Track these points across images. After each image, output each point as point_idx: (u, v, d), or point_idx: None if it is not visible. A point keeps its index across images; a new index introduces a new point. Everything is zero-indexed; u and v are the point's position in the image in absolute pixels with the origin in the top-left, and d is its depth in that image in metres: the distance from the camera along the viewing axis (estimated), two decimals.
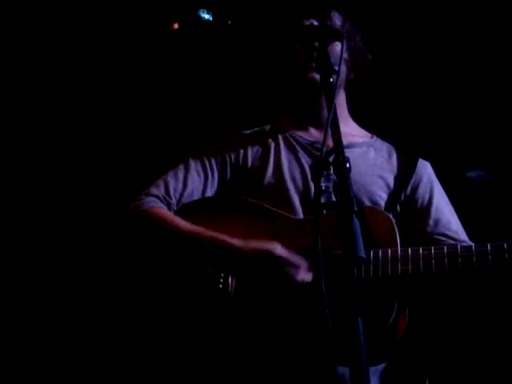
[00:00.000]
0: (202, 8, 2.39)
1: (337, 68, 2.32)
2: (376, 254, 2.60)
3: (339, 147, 2.15)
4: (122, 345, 2.83)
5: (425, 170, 3.04)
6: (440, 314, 3.56)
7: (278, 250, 2.58)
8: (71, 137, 4.22)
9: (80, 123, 4.22)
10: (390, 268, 2.58)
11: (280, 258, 2.56)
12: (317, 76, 2.80)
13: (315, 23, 2.78)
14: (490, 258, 2.55)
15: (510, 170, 3.67)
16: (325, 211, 2.08)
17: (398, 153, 3.07)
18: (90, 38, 4.09)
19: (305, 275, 2.57)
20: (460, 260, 2.56)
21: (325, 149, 2.57)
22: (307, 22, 2.79)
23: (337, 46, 2.56)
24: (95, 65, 4.10)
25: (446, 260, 2.57)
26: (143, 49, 3.91)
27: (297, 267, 2.57)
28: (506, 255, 2.54)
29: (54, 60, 4.13)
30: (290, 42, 2.96)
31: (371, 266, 2.58)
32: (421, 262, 2.57)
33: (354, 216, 2.01)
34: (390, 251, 2.60)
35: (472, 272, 2.57)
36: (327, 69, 2.34)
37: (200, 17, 2.37)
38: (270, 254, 2.57)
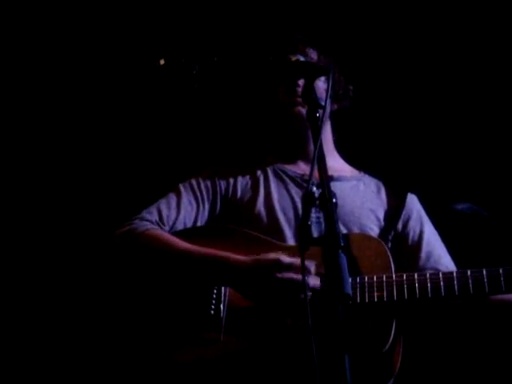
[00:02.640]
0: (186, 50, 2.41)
1: (323, 103, 2.33)
2: (370, 279, 2.62)
3: (325, 181, 2.15)
4: (111, 364, 2.79)
5: (414, 204, 3.06)
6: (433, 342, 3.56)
7: (284, 256, 2.57)
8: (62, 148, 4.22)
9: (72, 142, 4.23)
10: (367, 295, 2.59)
11: (289, 264, 2.54)
12: (302, 110, 2.87)
13: (302, 59, 2.80)
14: (470, 281, 2.59)
15: (499, 202, 3.67)
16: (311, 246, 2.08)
17: (386, 188, 3.10)
18: (77, 68, 4.11)
19: (316, 280, 2.55)
20: (442, 284, 2.59)
21: (314, 182, 2.62)
22: (294, 58, 2.81)
23: (320, 81, 2.58)
24: (82, 94, 4.12)
25: (428, 285, 2.60)
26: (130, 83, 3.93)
27: (308, 272, 2.51)
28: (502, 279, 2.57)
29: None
30: (274, 79, 2.99)
31: (367, 291, 2.60)
32: (416, 286, 2.59)
33: (340, 252, 2.00)
34: (384, 276, 2.63)
35: (454, 296, 2.60)
36: (313, 104, 2.35)
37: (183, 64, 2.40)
38: (278, 262, 2.55)
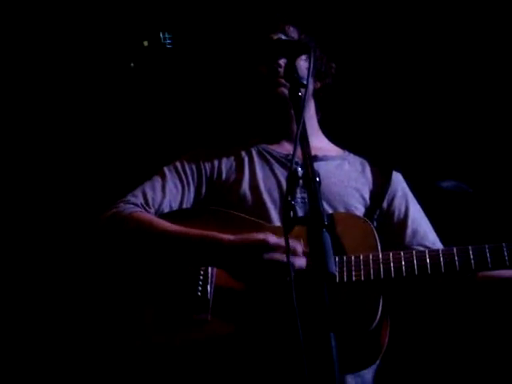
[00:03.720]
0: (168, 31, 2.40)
1: (305, 82, 2.32)
2: (357, 258, 2.62)
3: (309, 161, 2.16)
4: (98, 346, 2.78)
5: (399, 182, 3.08)
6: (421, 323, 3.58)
7: (272, 236, 2.55)
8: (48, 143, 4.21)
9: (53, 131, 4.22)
10: (353, 274, 2.59)
11: (276, 244, 2.53)
12: (285, 90, 2.86)
13: (283, 37, 2.79)
14: (456, 259, 2.59)
15: (485, 178, 3.69)
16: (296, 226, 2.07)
17: (371, 166, 3.11)
18: (62, 56, 4.09)
19: (302, 261, 2.53)
20: (428, 261, 2.59)
21: (298, 162, 2.62)
22: (275, 37, 2.80)
23: (302, 60, 2.57)
24: (66, 83, 4.10)
25: (415, 263, 2.59)
26: (113, 64, 3.90)
27: (294, 252, 2.51)
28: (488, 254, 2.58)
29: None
30: (256, 59, 2.98)
31: (353, 269, 2.60)
32: (403, 264, 2.59)
33: (324, 230, 2.01)
34: (371, 255, 2.62)
35: (441, 274, 2.60)
36: (295, 83, 2.35)
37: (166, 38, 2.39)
38: (265, 243, 2.53)
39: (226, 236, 2.63)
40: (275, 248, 2.52)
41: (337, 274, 2.55)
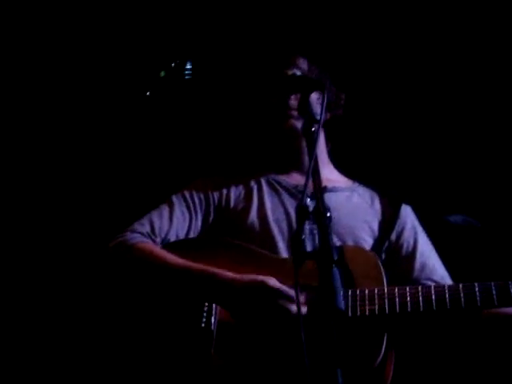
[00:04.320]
0: (188, 59, 2.43)
1: (318, 117, 2.34)
2: (362, 292, 2.64)
3: (320, 195, 2.17)
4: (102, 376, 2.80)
5: (408, 215, 3.08)
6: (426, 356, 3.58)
7: (273, 281, 2.58)
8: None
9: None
10: (358, 309, 2.61)
11: (275, 290, 2.57)
12: (296, 123, 2.90)
13: (297, 73, 2.81)
14: (461, 295, 2.60)
15: (492, 214, 3.69)
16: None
17: (380, 198, 3.11)
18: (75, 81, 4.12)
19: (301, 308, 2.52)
20: (434, 297, 2.61)
21: (308, 193, 2.64)
22: (289, 72, 2.83)
23: (314, 95, 2.60)
24: (75, 109, 4.14)
25: (420, 299, 2.61)
26: (128, 93, 3.94)
27: (292, 300, 2.55)
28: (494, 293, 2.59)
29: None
30: (269, 92, 3.01)
31: (358, 304, 2.62)
32: (408, 299, 2.61)
33: (333, 266, 2.02)
34: (376, 290, 2.64)
35: (446, 310, 2.62)
36: (309, 118, 2.37)
37: (185, 67, 2.42)
38: (264, 286, 2.57)
39: (227, 274, 2.66)
40: (275, 293, 2.57)
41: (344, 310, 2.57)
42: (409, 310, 2.60)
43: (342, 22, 4.06)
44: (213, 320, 2.69)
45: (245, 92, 3.16)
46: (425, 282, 2.90)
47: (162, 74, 2.39)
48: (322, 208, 2.14)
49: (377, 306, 2.60)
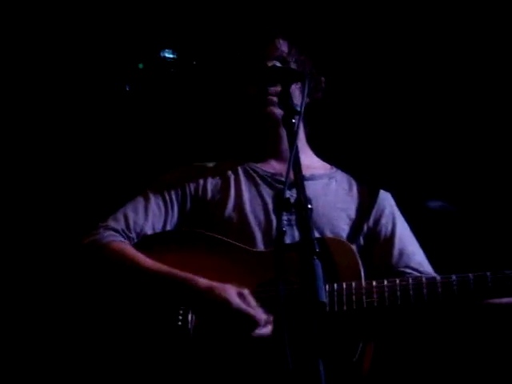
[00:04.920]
0: (168, 48, 2.42)
1: (298, 108, 2.36)
2: (340, 286, 2.64)
3: (301, 188, 2.18)
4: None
5: (386, 200, 3.08)
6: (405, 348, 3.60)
7: (237, 302, 2.57)
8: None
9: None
10: (354, 301, 2.62)
11: (237, 311, 2.55)
12: (276, 110, 2.87)
13: (278, 64, 2.81)
14: (455, 288, 2.62)
15: (471, 199, 3.72)
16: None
17: (358, 184, 3.11)
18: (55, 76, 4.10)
19: (263, 330, 2.56)
20: (425, 291, 2.62)
21: (287, 186, 2.67)
22: (270, 63, 2.82)
23: (295, 85, 2.60)
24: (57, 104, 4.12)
25: (411, 292, 2.62)
26: (108, 86, 3.91)
27: (254, 322, 2.55)
28: (472, 286, 2.61)
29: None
30: (249, 81, 3.01)
31: (336, 300, 2.62)
32: (386, 294, 2.62)
33: (315, 258, 2.04)
34: (354, 284, 2.65)
35: (436, 303, 2.64)
36: (289, 109, 2.39)
37: (165, 57, 2.41)
38: (228, 305, 2.56)
39: (198, 282, 2.64)
40: (237, 315, 2.56)
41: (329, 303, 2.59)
42: (386, 303, 2.62)
43: (323, 4, 4.05)
44: (189, 318, 2.68)
45: (225, 79, 3.14)
46: (403, 269, 2.91)
47: (141, 66, 2.39)
48: (303, 200, 2.15)
49: (354, 301, 2.62)
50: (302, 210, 2.13)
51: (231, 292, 2.58)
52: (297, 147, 2.27)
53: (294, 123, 2.34)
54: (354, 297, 2.62)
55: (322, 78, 3.18)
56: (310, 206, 2.15)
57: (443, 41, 4.10)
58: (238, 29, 3.13)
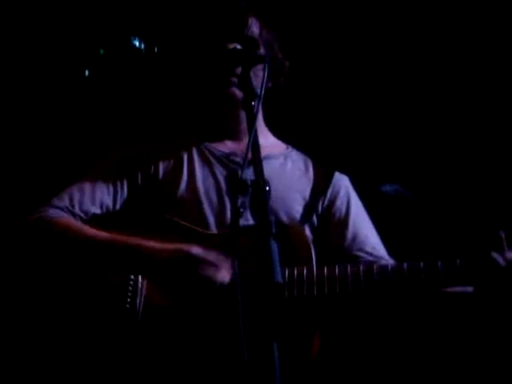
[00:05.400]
0: (136, 36, 2.41)
1: (258, 91, 2.37)
2: (299, 270, 2.65)
3: (260, 170, 2.21)
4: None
5: (342, 182, 3.09)
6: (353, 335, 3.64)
7: (196, 249, 2.59)
8: None
9: None
10: (305, 288, 2.64)
11: (198, 256, 2.58)
12: (236, 91, 2.86)
13: (238, 47, 2.80)
14: (406, 276, 2.65)
15: (426, 184, 3.77)
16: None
17: (314, 165, 3.11)
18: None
19: (225, 275, 2.57)
20: (376, 278, 2.65)
21: (240, 162, 2.76)
22: (231, 46, 2.81)
23: (258, 67, 2.60)
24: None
25: (349, 279, 2.65)
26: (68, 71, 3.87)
27: (216, 266, 2.57)
28: (423, 275, 2.64)
29: None
30: (209, 62, 2.98)
31: (295, 284, 2.63)
32: (349, 280, 2.64)
33: (271, 240, 2.05)
34: (305, 270, 2.66)
35: (387, 290, 2.67)
36: (249, 92, 2.40)
37: (133, 45, 2.41)
38: (187, 254, 2.58)
39: (151, 245, 2.65)
40: (198, 260, 2.58)
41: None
42: (337, 290, 2.65)
43: None
44: (138, 300, 2.66)
45: (185, 57, 3.11)
46: (356, 252, 2.94)
47: (101, 51, 2.38)
48: (261, 182, 2.17)
49: (305, 288, 2.63)
50: (260, 192, 2.15)
51: (189, 246, 2.61)
52: (256, 130, 2.28)
53: (254, 106, 2.35)
54: (305, 283, 2.63)
55: (287, 63, 3.15)
56: (267, 188, 2.17)
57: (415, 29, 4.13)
58: (209, 5, 3.08)
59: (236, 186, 2.16)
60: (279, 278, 2.00)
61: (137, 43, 2.41)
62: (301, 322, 2.60)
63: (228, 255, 2.57)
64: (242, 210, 2.20)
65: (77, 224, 2.80)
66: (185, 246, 2.61)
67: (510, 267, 2.60)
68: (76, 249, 2.73)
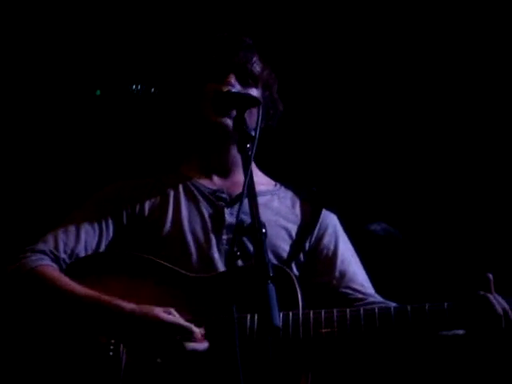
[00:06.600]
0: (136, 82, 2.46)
1: (253, 133, 2.43)
2: (296, 315, 2.66)
3: (256, 212, 2.25)
4: None
5: (330, 220, 3.12)
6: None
7: (167, 316, 2.58)
8: None
9: None
10: (312, 330, 2.64)
11: (170, 325, 2.57)
12: (229, 121, 2.88)
13: (232, 90, 2.85)
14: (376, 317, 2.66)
15: (414, 223, 3.80)
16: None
17: (301, 202, 3.13)
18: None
19: (197, 344, 2.58)
20: (378, 322, 2.65)
21: (227, 199, 2.83)
22: (225, 89, 2.85)
23: (254, 110, 2.65)
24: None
25: (335, 322, 2.65)
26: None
27: (188, 334, 2.57)
28: (410, 318, 2.65)
29: None
30: (202, 88, 3.02)
31: (290, 329, 2.63)
32: (348, 323, 2.65)
33: (269, 283, 2.09)
34: (311, 312, 2.67)
35: (389, 332, 2.67)
36: (244, 135, 2.46)
37: (134, 90, 2.47)
38: (159, 321, 2.57)
39: (124, 305, 2.63)
40: (169, 326, 2.56)
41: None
42: (324, 335, 2.65)
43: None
44: (121, 347, 2.66)
45: (180, 102, 3.15)
46: (344, 289, 2.95)
47: (98, 93, 2.44)
48: (257, 225, 2.21)
49: (290, 330, 2.62)
50: (257, 234, 2.20)
51: (158, 310, 2.60)
52: (251, 171, 2.33)
53: (249, 148, 2.41)
54: (311, 325, 2.64)
55: (281, 107, 3.19)
56: (264, 231, 2.21)
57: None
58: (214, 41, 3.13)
59: (238, 229, 2.19)
60: (278, 322, 2.04)
61: (134, 87, 2.46)
62: (292, 365, 2.61)
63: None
64: (238, 253, 2.22)
65: (54, 275, 2.77)
66: (157, 311, 2.59)
67: (505, 312, 2.60)
68: (52, 304, 2.73)
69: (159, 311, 2.58)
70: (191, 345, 2.56)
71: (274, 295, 2.06)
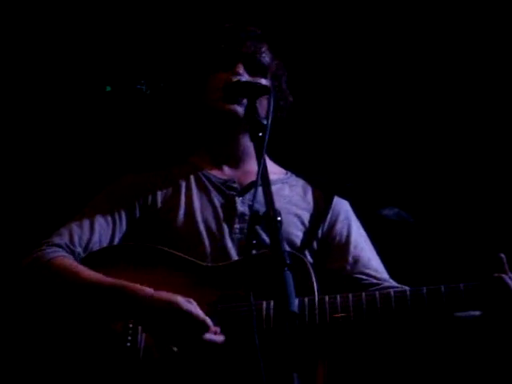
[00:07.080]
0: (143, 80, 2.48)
1: (265, 122, 2.45)
2: (311, 301, 2.69)
3: (271, 201, 2.27)
4: None
5: (341, 206, 3.14)
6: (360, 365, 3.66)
7: (187, 305, 2.61)
8: None
9: None
10: (328, 315, 2.67)
11: (188, 314, 2.60)
12: (239, 109, 2.93)
13: (243, 79, 2.87)
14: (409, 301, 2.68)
15: (426, 208, 3.82)
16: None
17: (313, 189, 3.17)
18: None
19: (213, 336, 2.60)
20: (394, 305, 2.68)
21: (238, 188, 2.87)
22: (234, 79, 2.88)
23: (263, 99, 2.67)
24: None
25: (350, 306, 2.68)
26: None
27: (205, 327, 2.59)
28: (426, 301, 2.67)
29: None
30: (212, 77, 3.06)
31: (306, 315, 2.66)
32: (364, 307, 2.67)
33: (286, 269, 2.11)
34: (327, 298, 2.70)
35: (406, 316, 2.70)
36: (256, 124, 2.48)
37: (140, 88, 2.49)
38: (178, 308, 2.60)
39: (141, 292, 2.65)
40: (188, 317, 2.58)
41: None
42: (340, 320, 2.68)
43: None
44: (139, 338, 2.69)
45: (190, 79, 3.17)
46: (358, 275, 2.98)
47: (108, 88, 2.46)
48: (272, 213, 2.23)
49: (307, 317, 2.66)
50: (272, 223, 2.21)
51: (179, 297, 2.62)
52: (265, 160, 2.36)
53: (261, 137, 2.43)
54: (327, 310, 2.67)
55: (291, 99, 3.22)
56: (279, 219, 2.23)
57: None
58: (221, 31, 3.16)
59: (253, 219, 2.21)
60: (295, 308, 2.06)
61: (143, 86, 2.49)
62: (305, 351, 2.63)
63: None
64: (254, 241, 2.24)
65: (73, 265, 2.80)
66: (177, 298, 2.61)
67: None
68: (71, 292, 2.76)
69: (181, 299, 2.61)
70: (209, 336, 2.59)
71: (291, 282, 2.09)
